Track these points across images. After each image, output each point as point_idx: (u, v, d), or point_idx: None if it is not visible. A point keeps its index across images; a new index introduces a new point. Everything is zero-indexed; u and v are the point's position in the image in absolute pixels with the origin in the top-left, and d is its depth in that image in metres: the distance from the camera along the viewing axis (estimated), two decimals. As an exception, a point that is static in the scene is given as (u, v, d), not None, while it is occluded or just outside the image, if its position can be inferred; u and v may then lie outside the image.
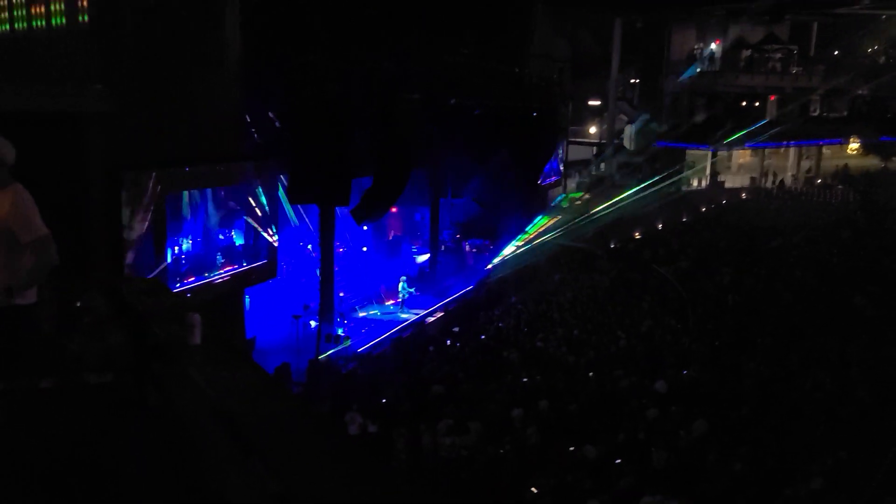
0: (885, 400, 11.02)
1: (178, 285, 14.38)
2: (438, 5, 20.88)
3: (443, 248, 24.99)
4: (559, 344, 15.39)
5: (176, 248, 14.82)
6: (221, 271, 15.59)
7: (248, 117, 16.80)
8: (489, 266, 25.19)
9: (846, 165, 42.33)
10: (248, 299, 17.58)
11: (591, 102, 42.02)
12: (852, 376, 11.95)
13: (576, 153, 39.53)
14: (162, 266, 14.00)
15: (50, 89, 11.67)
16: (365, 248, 24.10)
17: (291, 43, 16.78)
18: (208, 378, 3.12)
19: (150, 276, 13.09)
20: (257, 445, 2.45)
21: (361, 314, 20.65)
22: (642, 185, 32.80)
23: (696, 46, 40.92)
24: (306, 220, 21.21)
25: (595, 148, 41.67)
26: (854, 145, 42.80)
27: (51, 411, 3.77)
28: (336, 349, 17.44)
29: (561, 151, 33.07)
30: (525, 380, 12.99)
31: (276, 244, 17.02)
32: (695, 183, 39.43)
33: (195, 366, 3.30)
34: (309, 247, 21.45)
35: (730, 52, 40.29)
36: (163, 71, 13.68)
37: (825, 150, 43.78)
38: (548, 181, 31.51)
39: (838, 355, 13.01)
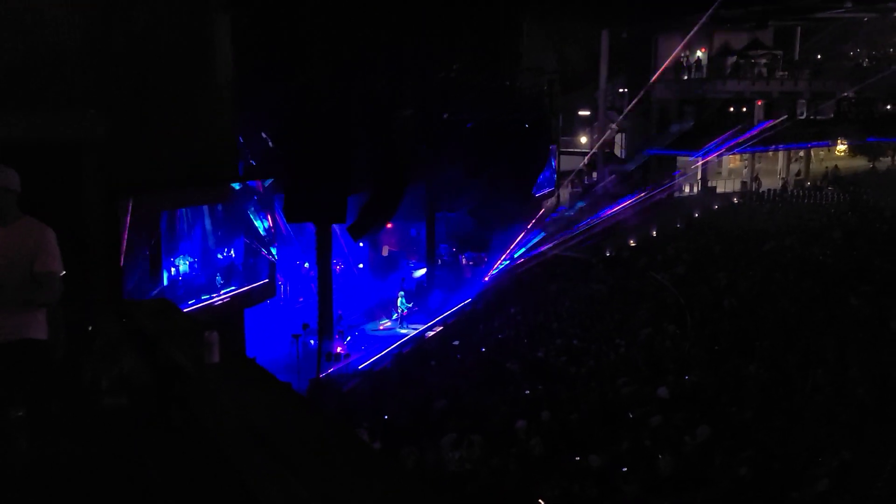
0: (884, 399, 11.10)
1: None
2: (429, 22, 21.07)
3: (439, 262, 25.07)
4: (559, 354, 15.44)
5: (173, 269, 14.84)
6: (222, 293, 15.59)
7: (241, 138, 16.89)
8: (487, 278, 25.27)
9: (836, 167, 42.69)
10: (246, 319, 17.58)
11: (580, 113, 42.35)
12: (851, 377, 12.03)
13: (567, 163, 39.79)
14: (160, 289, 14.02)
15: (45, 116, 11.72)
16: (361, 265, 24.16)
17: (285, 63, 16.91)
18: (236, 395, 3.16)
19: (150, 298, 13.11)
20: (294, 461, 2.50)
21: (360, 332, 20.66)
22: (635, 193, 33.03)
23: (682, 55, 41.29)
24: (296, 238, 21.25)
25: (586, 157, 41.97)
26: (842, 147, 43.20)
27: (73, 435, 3.80)
28: (336, 367, 17.44)
29: (553, 162, 33.29)
30: (527, 391, 13.03)
31: (275, 263, 17.05)
32: (687, 189, 39.70)
33: (220, 384, 3.33)
34: (306, 265, 21.50)
35: (716, 59, 40.70)
36: (155, 94, 13.76)
37: (814, 153, 44.17)
38: (542, 192, 31.67)
39: (836, 356, 13.09)
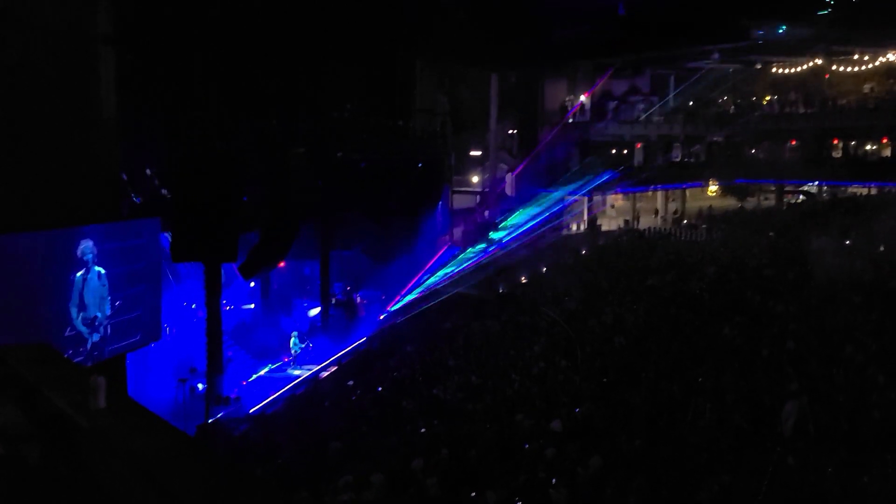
0: (758, 423, 11.84)
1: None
2: (323, 61, 21.16)
3: (334, 301, 24.77)
4: (456, 390, 15.52)
5: (47, 317, 13.89)
6: (101, 344, 14.71)
7: (125, 175, 16.22)
8: (382, 317, 25.16)
9: (710, 206, 45.63)
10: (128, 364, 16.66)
11: (472, 153, 43.42)
12: (728, 404, 12.74)
13: (460, 202, 40.57)
14: (28, 338, 13.09)
15: None
16: (252, 305, 23.51)
17: (173, 98, 16.47)
18: (126, 442, 3.01)
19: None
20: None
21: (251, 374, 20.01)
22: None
23: (567, 98, 43.33)
24: (174, 278, 20.47)
25: (478, 196, 42.93)
26: (713, 187, 46.23)
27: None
28: (227, 411, 16.80)
29: (446, 201, 33.82)
30: (423, 430, 13.00)
31: (159, 305, 16.33)
32: (574, 227, 41.25)
33: (109, 430, 3.16)
34: (193, 306, 20.68)
35: (598, 104, 42.99)
36: (30, 128, 13.09)
37: (689, 193, 47.13)
38: (438, 234, 32.06)
39: (714, 385, 13.84)
